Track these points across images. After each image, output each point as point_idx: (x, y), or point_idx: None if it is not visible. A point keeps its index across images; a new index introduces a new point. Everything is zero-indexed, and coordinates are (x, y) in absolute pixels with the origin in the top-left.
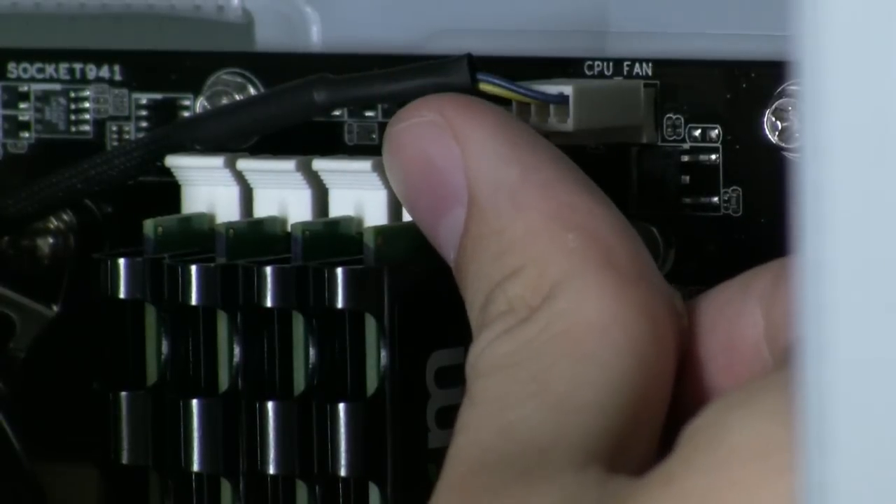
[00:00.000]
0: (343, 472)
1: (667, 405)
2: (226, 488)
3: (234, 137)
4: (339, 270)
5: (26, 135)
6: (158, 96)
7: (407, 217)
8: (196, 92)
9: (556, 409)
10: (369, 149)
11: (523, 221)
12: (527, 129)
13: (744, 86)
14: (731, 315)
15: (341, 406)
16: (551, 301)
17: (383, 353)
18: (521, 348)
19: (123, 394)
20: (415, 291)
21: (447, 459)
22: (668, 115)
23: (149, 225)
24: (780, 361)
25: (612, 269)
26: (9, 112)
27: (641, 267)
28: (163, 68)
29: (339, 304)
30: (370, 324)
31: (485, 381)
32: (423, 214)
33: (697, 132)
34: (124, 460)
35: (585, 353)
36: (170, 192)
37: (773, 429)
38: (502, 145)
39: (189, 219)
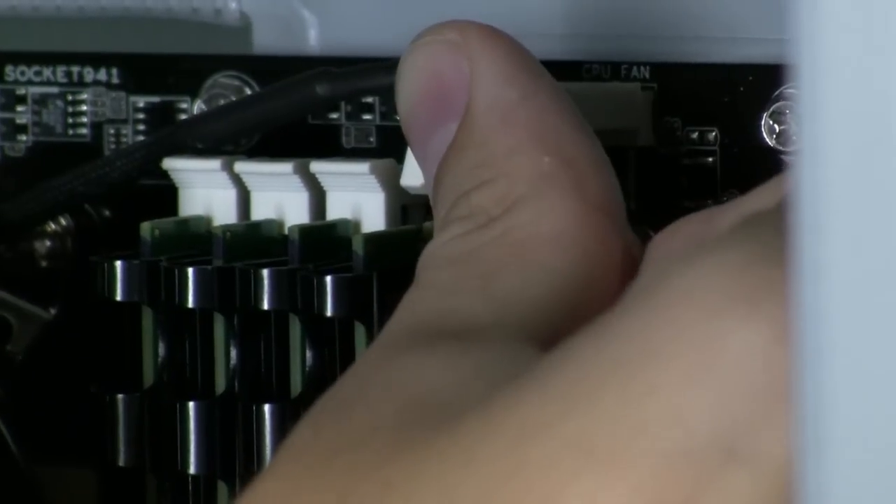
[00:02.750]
0: None
1: None
2: (222, 491)
3: (238, 135)
4: (329, 279)
5: (24, 138)
6: (156, 99)
7: (398, 224)
8: (194, 95)
9: (498, 300)
10: (367, 151)
11: (507, 139)
12: (534, 59)
13: (741, 89)
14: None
15: None
16: (512, 212)
17: None
18: (475, 249)
19: (120, 396)
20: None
21: (383, 329)
22: (665, 118)
23: (146, 227)
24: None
25: (578, 195)
26: (6, 115)
27: (607, 200)
28: (160, 71)
29: (329, 312)
30: (360, 331)
31: (433, 272)
32: (419, 126)
33: (695, 135)
34: (121, 462)
35: (536, 260)
36: (167, 194)
37: (733, 277)
38: (509, 68)
39: (186, 221)
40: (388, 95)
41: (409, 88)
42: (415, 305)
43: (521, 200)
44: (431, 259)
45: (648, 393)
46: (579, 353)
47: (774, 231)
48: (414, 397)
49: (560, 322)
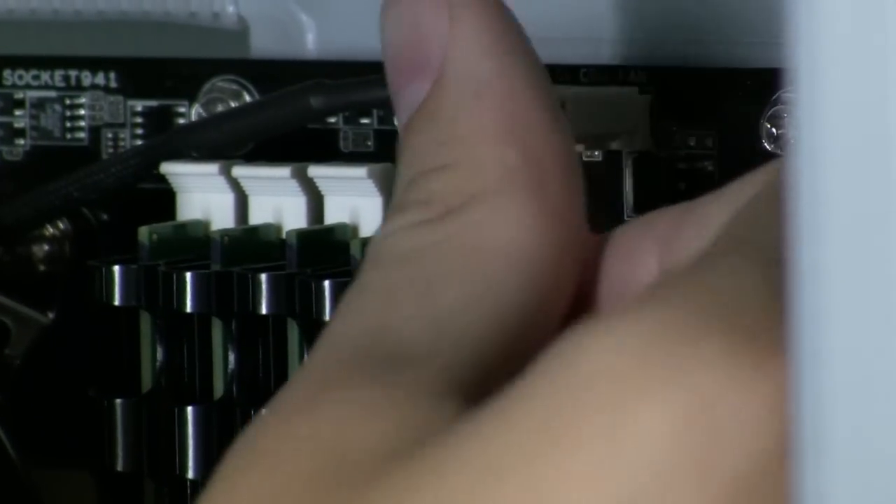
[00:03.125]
0: None
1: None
2: None
3: (232, 144)
4: (327, 283)
5: (21, 142)
6: (154, 103)
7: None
8: (192, 99)
9: (437, 322)
10: (364, 156)
11: (477, 120)
12: (519, 29)
13: (739, 93)
14: (626, 255)
15: None
16: (468, 209)
17: None
18: (425, 248)
19: (118, 401)
20: None
21: (318, 342)
22: (663, 122)
23: (144, 232)
24: (650, 289)
25: (538, 196)
26: (4, 119)
27: (568, 205)
28: (158, 75)
29: (327, 317)
30: None
31: (379, 273)
32: (395, 73)
33: (693, 139)
34: (119, 467)
35: (485, 271)
36: (165, 199)
37: (634, 355)
38: (489, 36)
39: (184, 226)
40: (382, 109)
41: (388, 33)
42: (348, 320)
43: (480, 196)
44: (380, 252)
45: (551, 487)
46: (485, 433)
47: (695, 295)
48: (333, 452)
49: (494, 358)
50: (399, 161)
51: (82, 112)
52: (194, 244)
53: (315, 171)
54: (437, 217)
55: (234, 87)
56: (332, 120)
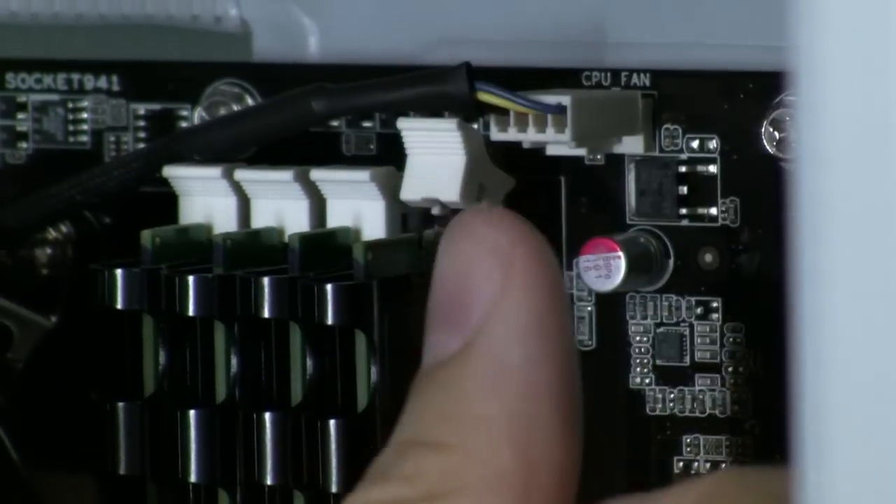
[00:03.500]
0: (333, 488)
1: None
2: (223, 499)
3: (233, 148)
4: (329, 287)
5: (24, 145)
6: (156, 106)
7: (399, 232)
8: (194, 102)
9: None
10: (367, 159)
11: (487, 407)
12: (563, 306)
13: (741, 96)
14: None
15: (331, 422)
16: (450, 499)
17: (373, 369)
18: None
19: (121, 404)
20: (404, 306)
21: None
22: (665, 126)
23: (146, 235)
24: None
25: (521, 502)
26: (7, 122)
27: None
28: (160, 79)
29: (329, 321)
30: (360, 339)
31: None
32: (432, 310)
33: (695, 143)
34: (122, 470)
35: None
36: (167, 202)
37: None
38: (531, 317)
39: (186, 229)
40: (382, 113)
41: (439, 268)
42: None
43: (465, 490)
44: None
45: None
46: None
47: None
48: None
49: None
50: (404, 408)
51: (85, 115)
52: (197, 248)
53: (317, 174)
54: (418, 499)
55: (237, 90)
56: (335, 123)
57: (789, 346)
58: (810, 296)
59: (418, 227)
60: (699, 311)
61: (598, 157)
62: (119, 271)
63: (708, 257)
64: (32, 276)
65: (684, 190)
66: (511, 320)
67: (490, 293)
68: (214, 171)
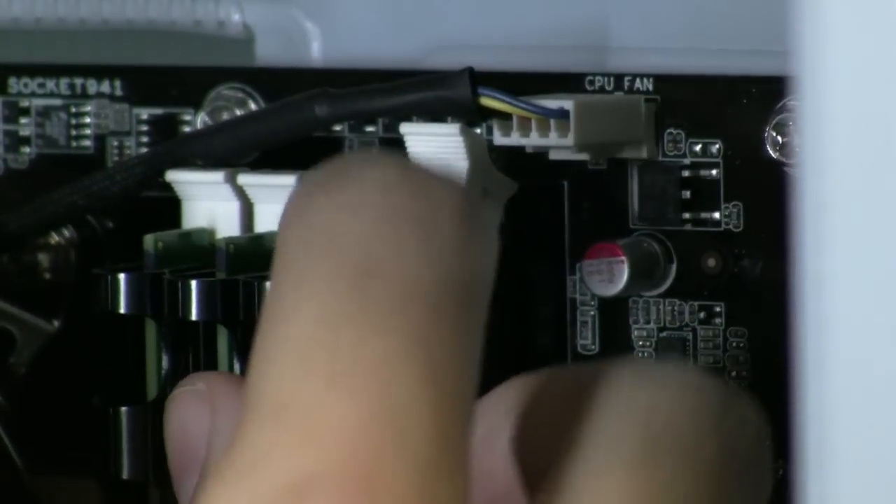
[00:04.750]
0: None
1: None
2: None
3: (236, 153)
4: None
5: (27, 150)
6: (159, 111)
7: None
8: (197, 107)
9: None
10: None
11: None
12: None
13: (744, 101)
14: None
15: None
16: None
17: None
18: None
19: (124, 409)
20: None
21: None
22: (668, 130)
23: (149, 240)
24: None
25: None
26: (9, 127)
27: None
28: (163, 83)
29: None
30: None
31: None
32: (174, 475)
33: (698, 147)
34: (125, 475)
35: None
36: (170, 207)
37: None
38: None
39: (189, 234)
40: (385, 118)
41: (166, 439)
42: None
43: None
44: None
45: None
46: None
47: None
48: None
49: None
50: None
51: (88, 120)
52: (199, 252)
53: None
54: None
55: (240, 95)
56: (338, 128)
57: (792, 351)
58: (813, 301)
59: None
60: (702, 315)
61: (601, 162)
62: (122, 276)
63: (711, 262)
64: (35, 280)
65: (687, 194)
66: (228, 435)
67: (205, 425)
68: (217, 176)
